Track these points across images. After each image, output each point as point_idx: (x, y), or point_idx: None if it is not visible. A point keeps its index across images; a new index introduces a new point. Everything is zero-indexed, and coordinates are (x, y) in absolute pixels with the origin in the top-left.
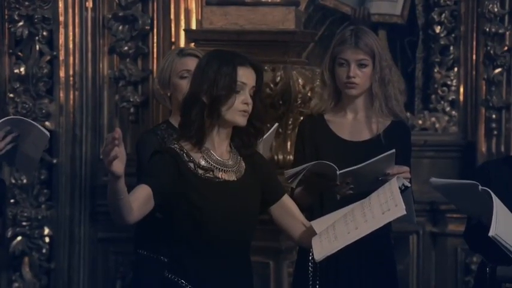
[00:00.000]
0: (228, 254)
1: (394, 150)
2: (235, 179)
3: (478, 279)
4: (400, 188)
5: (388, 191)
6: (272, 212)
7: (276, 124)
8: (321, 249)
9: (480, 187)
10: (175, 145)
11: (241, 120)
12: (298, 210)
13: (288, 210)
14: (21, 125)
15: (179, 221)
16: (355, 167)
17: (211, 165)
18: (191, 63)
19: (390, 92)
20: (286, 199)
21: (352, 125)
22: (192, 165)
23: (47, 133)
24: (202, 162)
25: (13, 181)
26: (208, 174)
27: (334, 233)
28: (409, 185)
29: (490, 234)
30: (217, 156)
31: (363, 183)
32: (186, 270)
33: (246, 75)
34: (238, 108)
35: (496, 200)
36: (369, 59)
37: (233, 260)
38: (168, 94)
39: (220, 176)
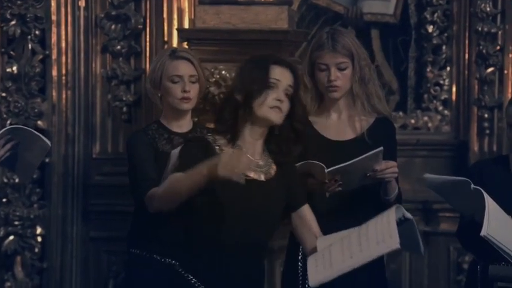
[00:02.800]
0: (243, 254)
1: (381, 148)
2: (264, 180)
3: (469, 278)
4: (400, 218)
5: (386, 221)
6: (291, 220)
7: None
8: (316, 275)
9: (472, 186)
10: (210, 137)
11: (274, 117)
12: (316, 224)
13: (304, 221)
14: (23, 134)
15: (199, 215)
16: (342, 164)
17: None
18: (182, 68)
19: (371, 90)
20: (306, 210)
21: (337, 124)
22: None
23: (48, 142)
24: None
25: (5, 180)
26: None
27: (330, 259)
28: (410, 216)
29: (482, 233)
30: (248, 155)
31: (351, 180)
32: (198, 269)
33: (280, 73)
34: (270, 105)
35: (488, 199)
36: (348, 61)
37: (247, 262)
38: (159, 94)
39: (249, 175)
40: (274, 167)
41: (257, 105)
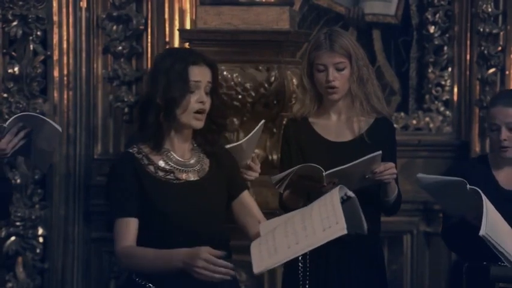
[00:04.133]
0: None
1: (380, 152)
2: (198, 178)
3: (453, 278)
4: (342, 197)
5: (330, 204)
6: (232, 208)
7: (262, 122)
8: (260, 261)
9: (468, 186)
10: (134, 149)
11: (196, 124)
12: (257, 208)
13: (246, 207)
14: (33, 121)
15: (146, 225)
16: (340, 167)
17: (172, 166)
18: None
19: (370, 89)
20: (247, 195)
21: (337, 125)
22: (152, 168)
23: (59, 128)
24: (162, 164)
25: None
26: (168, 176)
27: (274, 244)
28: (352, 195)
29: (481, 233)
30: (177, 157)
31: (350, 182)
32: (155, 278)
33: (199, 73)
34: (193, 109)
35: (485, 200)
36: (346, 61)
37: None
38: None
39: (181, 177)
40: (207, 161)
41: (180, 113)
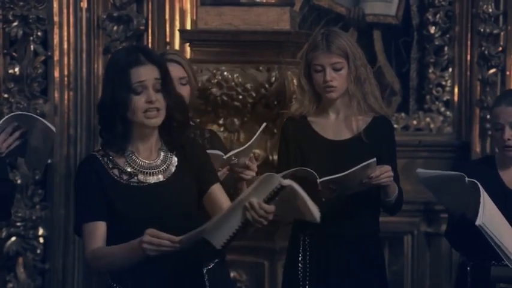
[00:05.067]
0: (166, 257)
1: (374, 159)
2: (164, 179)
3: (459, 279)
4: (277, 187)
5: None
6: (204, 204)
7: (264, 124)
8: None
9: (467, 179)
10: (100, 151)
11: (151, 122)
12: (229, 202)
13: (216, 202)
14: (27, 120)
15: (112, 229)
16: (335, 176)
17: (136, 169)
18: (172, 71)
19: (367, 89)
20: (217, 189)
21: (335, 125)
22: (116, 171)
23: (53, 128)
24: (127, 168)
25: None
26: (132, 180)
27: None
28: (285, 183)
29: (477, 223)
30: (142, 159)
31: (346, 187)
32: (125, 278)
33: (143, 73)
34: (143, 109)
35: (483, 191)
36: (343, 61)
37: (173, 263)
38: None
39: (145, 180)
40: (174, 160)
41: (131, 114)
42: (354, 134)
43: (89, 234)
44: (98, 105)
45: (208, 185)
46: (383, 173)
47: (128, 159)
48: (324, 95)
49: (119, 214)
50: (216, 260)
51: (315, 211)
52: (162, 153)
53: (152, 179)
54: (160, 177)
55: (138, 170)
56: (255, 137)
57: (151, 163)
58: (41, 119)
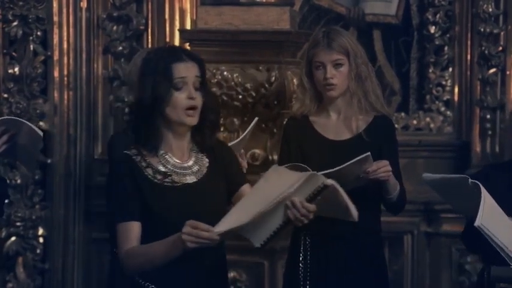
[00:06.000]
0: (197, 256)
1: (369, 153)
2: (196, 180)
3: (478, 283)
4: (320, 186)
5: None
6: (233, 202)
7: (256, 119)
8: (224, 225)
9: (470, 180)
10: (133, 150)
11: (189, 120)
12: None
13: None
14: (14, 124)
15: (145, 228)
16: (329, 170)
17: (169, 169)
18: None
19: (368, 87)
20: (247, 189)
21: (336, 124)
22: (150, 171)
23: (40, 132)
24: (160, 168)
25: (7, 181)
26: (166, 180)
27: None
28: (329, 183)
29: (476, 224)
30: (175, 160)
31: (344, 182)
32: (155, 275)
33: (184, 69)
34: (183, 106)
35: (484, 192)
36: (344, 58)
37: (204, 262)
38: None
39: (179, 180)
40: (205, 161)
41: (170, 111)
42: (355, 134)
43: (124, 234)
44: (134, 102)
45: (238, 185)
46: (380, 168)
47: (161, 159)
48: (324, 94)
49: (152, 213)
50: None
51: (354, 211)
52: (193, 154)
53: (185, 180)
54: (193, 178)
55: (172, 170)
56: (246, 132)
57: (184, 164)
58: (27, 122)
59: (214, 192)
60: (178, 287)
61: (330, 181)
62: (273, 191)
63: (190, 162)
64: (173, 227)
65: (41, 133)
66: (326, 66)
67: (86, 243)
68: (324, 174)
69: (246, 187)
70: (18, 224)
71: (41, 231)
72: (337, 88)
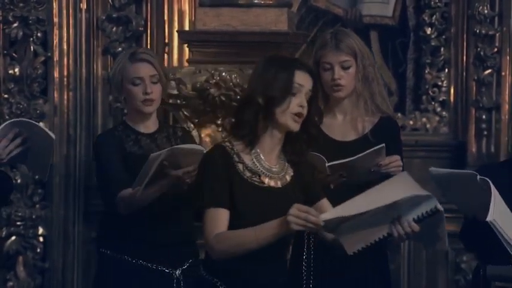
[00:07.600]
0: (264, 257)
1: (383, 145)
2: (280, 186)
3: (473, 282)
4: (432, 209)
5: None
6: None
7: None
8: (330, 214)
9: (479, 177)
10: (227, 143)
11: (294, 126)
12: None
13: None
14: (27, 126)
15: None
16: (343, 160)
17: (259, 169)
18: (143, 70)
19: (375, 89)
20: (326, 203)
21: (343, 125)
22: (241, 166)
23: (52, 135)
24: (251, 165)
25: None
26: (254, 178)
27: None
28: (441, 208)
29: (488, 219)
30: (265, 161)
31: (355, 174)
32: (222, 271)
33: (302, 78)
34: (293, 111)
35: (494, 189)
36: (352, 59)
37: (269, 263)
38: (123, 97)
39: (265, 182)
40: (290, 171)
41: (280, 112)
42: (361, 135)
43: (213, 219)
44: (242, 98)
45: (315, 199)
46: (392, 162)
47: (253, 157)
48: (331, 95)
49: (235, 207)
50: (190, 260)
51: (447, 242)
52: (280, 162)
53: (271, 182)
54: (278, 183)
55: (261, 171)
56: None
57: (272, 167)
58: (40, 125)
59: (295, 200)
60: None
61: (440, 206)
62: (388, 196)
63: (277, 168)
64: (250, 224)
65: (53, 136)
66: (334, 67)
67: (86, 243)
68: (335, 165)
69: (323, 202)
70: (18, 223)
71: (41, 230)
72: (345, 89)
